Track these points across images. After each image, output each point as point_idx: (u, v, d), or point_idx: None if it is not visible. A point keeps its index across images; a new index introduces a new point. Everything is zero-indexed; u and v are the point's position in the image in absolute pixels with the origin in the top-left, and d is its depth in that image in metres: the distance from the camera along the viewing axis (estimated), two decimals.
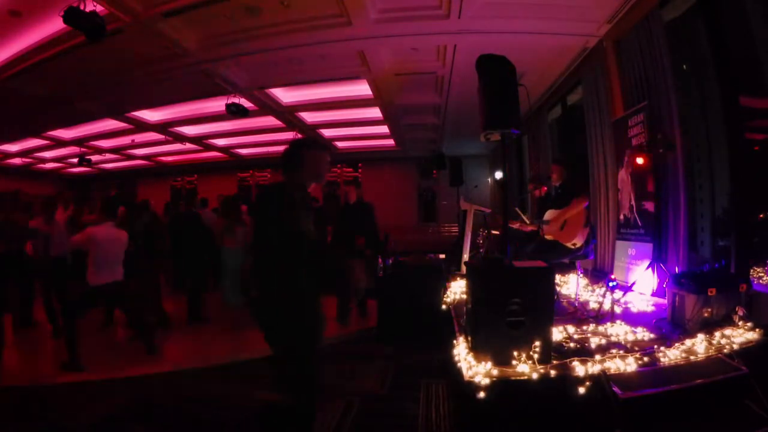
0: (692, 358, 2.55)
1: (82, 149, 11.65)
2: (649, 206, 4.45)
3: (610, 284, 3.45)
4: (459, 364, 2.53)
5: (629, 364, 2.45)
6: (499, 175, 11.77)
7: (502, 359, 2.44)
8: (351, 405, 3.02)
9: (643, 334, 3.02)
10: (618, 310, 3.57)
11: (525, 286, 2.52)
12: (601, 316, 3.44)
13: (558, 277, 4.69)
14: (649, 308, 3.80)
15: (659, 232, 4.30)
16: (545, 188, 4.75)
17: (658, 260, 4.12)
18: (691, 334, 2.84)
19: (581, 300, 4.06)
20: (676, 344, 2.69)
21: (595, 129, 5.93)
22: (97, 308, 5.10)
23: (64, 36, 5.18)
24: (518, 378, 2.33)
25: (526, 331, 2.46)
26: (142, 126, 9.58)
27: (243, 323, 5.54)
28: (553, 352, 2.56)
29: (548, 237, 4.13)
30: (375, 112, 9.19)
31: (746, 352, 2.58)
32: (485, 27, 5.29)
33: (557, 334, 2.94)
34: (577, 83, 6.71)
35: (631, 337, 2.98)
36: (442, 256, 6.58)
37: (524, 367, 2.37)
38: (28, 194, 10.25)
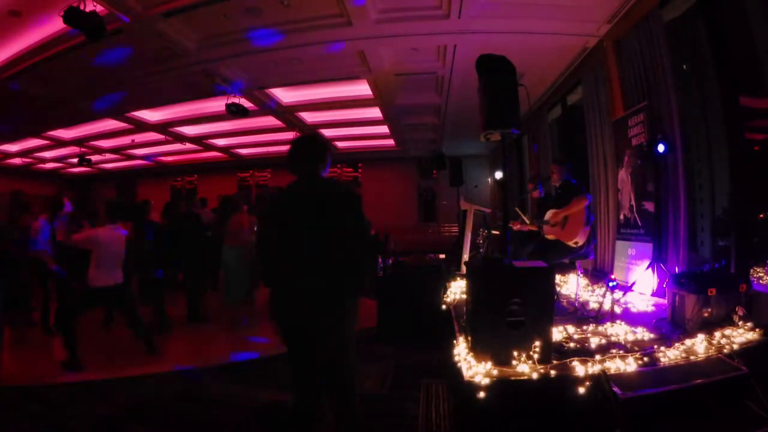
0: (692, 358, 2.55)
1: (82, 149, 11.66)
2: (649, 206, 4.45)
3: (610, 284, 3.45)
4: (459, 364, 2.53)
5: (629, 364, 2.45)
6: (499, 175, 11.78)
7: (502, 359, 2.44)
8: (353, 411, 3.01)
9: (643, 334, 3.02)
10: (618, 310, 3.57)
11: (525, 286, 2.52)
12: (601, 316, 3.44)
13: (558, 277, 4.69)
14: (649, 308, 3.80)
15: (659, 232, 4.30)
16: (535, 193, 4.80)
17: (658, 260, 4.12)
18: (691, 334, 2.84)
19: (581, 300, 4.06)
20: (676, 344, 2.69)
21: (595, 129, 5.93)
22: (97, 308, 5.12)
23: (64, 36, 5.18)
24: (518, 378, 2.33)
25: (526, 331, 2.46)
26: (142, 126, 9.58)
27: (243, 323, 5.56)
28: (553, 352, 2.55)
29: (549, 236, 4.14)
30: (375, 112, 9.19)
31: (746, 352, 2.58)
32: (485, 27, 5.29)
33: (557, 334, 2.94)
34: (577, 83, 6.71)
35: (631, 337, 2.98)
36: (442, 256, 6.59)
37: (524, 367, 2.37)
38: (27, 194, 10.22)
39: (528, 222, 4.52)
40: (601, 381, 2.27)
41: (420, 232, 14.20)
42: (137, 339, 4.30)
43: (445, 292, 4.58)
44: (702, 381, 2.32)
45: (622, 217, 5.08)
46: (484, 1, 4.79)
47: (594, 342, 2.89)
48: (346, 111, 9.17)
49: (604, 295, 3.63)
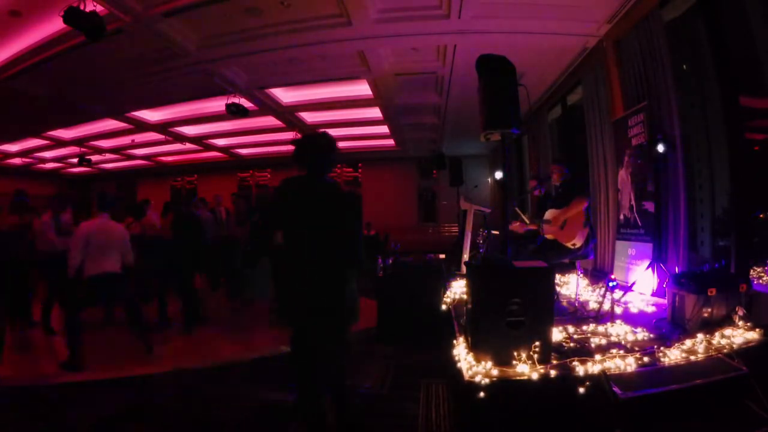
0: (692, 358, 2.55)
1: (82, 149, 11.66)
2: (649, 206, 4.45)
3: (610, 284, 3.45)
4: (459, 364, 2.53)
5: (629, 364, 2.45)
6: (499, 175, 11.77)
7: (502, 359, 2.44)
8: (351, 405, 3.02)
9: (643, 334, 3.01)
10: (618, 310, 3.57)
11: (525, 286, 2.52)
12: (601, 316, 3.44)
13: (558, 277, 4.69)
14: (649, 308, 3.80)
15: (659, 232, 4.30)
16: (537, 192, 4.80)
17: (658, 260, 4.13)
18: (691, 334, 2.84)
19: (581, 300, 4.06)
20: (676, 344, 2.68)
21: (595, 129, 5.93)
22: (97, 307, 5.12)
23: (64, 36, 5.18)
24: (518, 378, 2.33)
25: (526, 331, 2.46)
26: (142, 126, 9.58)
27: (243, 323, 5.57)
28: (553, 352, 2.55)
29: (548, 236, 4.14)
30: (375, 112, 9.19)
31: (746, 352, 2.57)
32: (485, 27, 5.29)
33: (557, 334, 2.94)
34: (577, 83, 6.71)
35: (631, 337, 2.98)
36: (442, 256, 6.58)
37: (524, 367, 2.37)
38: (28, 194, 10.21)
39: (528, 222, 4.52)
40: (601, 381, 2.27)
41: (420, 232, 14.20)
42: (137, 337, 4.30)
43: (445, 292, 4.58)
44: (702, 381, 2.32)
45: (622, 217, 5.08)
46: (484, 1, 4.79)
47: (594, 342, 2.90)
48: (346, 111, 9.17)
49: (604, 295, 3.63)
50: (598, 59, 5.76)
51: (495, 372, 2.37)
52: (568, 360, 2.48)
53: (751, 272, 3.84)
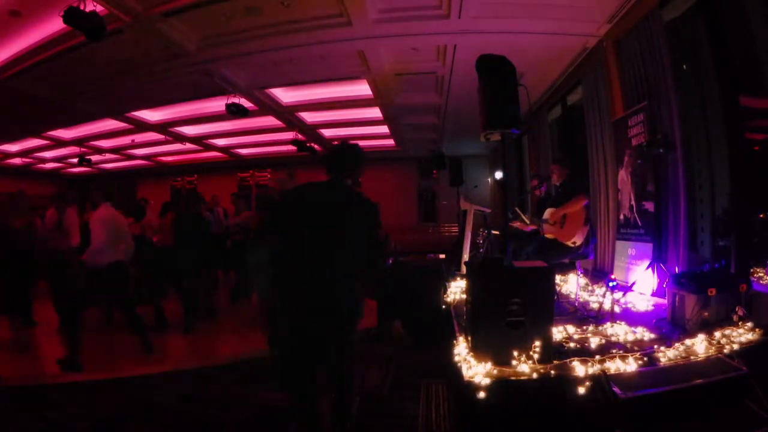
0: (692, 358, 2.55)
1: (82, 149, 11.65)
2: (649, 206, 4.45)
3: (610, 284, 3.45)
4: (459, 364, 2.53)
5: (629, 364, 2.45)
6: (499, 175, 11.77)
7: (502, 359, 2.44)
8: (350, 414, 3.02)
9: (643, 334, 3.01)
10: (618, 310, 3.56)
11: (525, 286, 2.52)
12: (601, 316, 3.44)
13: (558, 277, 4.68)
14: (649, 308, 3.80)
15: (659, 232, 4.29)
16: (537, 191, 4.79)
17: (658, 260, 4.12)
18: (691, 334, 2.84)
19: (581, 300, 4.06)
20: (676, 344, 2.68)
21: (595, 129, 5.93)
22: (97, 308, 5.12)
23: (64, 36, 5.18)
24: (518, 378, 2.33)
25: (526, 331, 2.46)
26: (142, 126, 9.58)
27: (243, 323, 5.56)
28: (553, 352, 2.55)
29: (548, 235, 4.14)
30: (375, 112, 9.19)
31: (746, 352, 2.57)
32: (485, 27, 5.29)
33: (557, 334, 2.94)
34: (577, 83, 6.71)
35: (631, 337, 2.98)
36: (442, 256, 6.58)
37: (524, 367, 2.37)
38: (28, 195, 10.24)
39: (527, 222, 4.52)
40: (601, 381, 2.27)
41: (420, 232, 14.19)
42: (136, 336, 4.31)
43: (445, 292, 4.58)
44: (702, 381, 2.32)
45: (622, 217, 5.07)
46: (484, 1, 4.79)
47: (594, 342, 2.89)
48: (346, 111, 9.16)
49: (604, 295, 3.62)
50: (598, 59, 5.75)
51: (495, 372, 2.37)
52: (568, 360, 2.48)
53: (751, 272, 3.82)
